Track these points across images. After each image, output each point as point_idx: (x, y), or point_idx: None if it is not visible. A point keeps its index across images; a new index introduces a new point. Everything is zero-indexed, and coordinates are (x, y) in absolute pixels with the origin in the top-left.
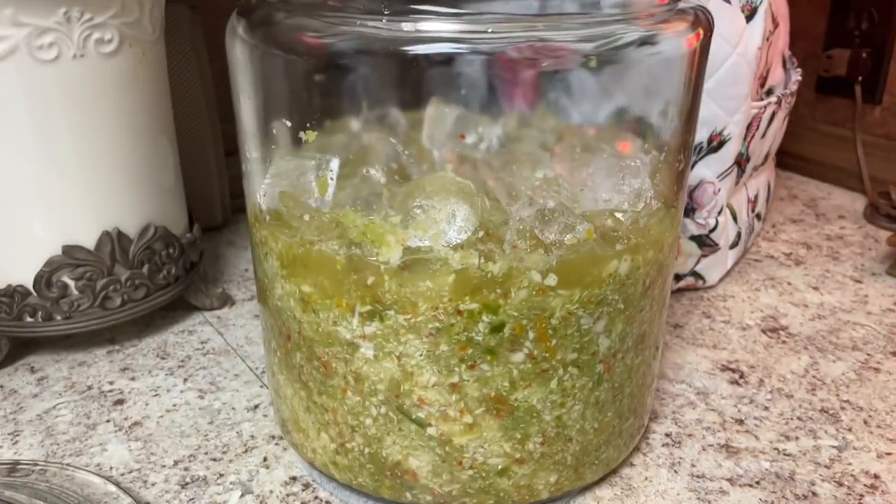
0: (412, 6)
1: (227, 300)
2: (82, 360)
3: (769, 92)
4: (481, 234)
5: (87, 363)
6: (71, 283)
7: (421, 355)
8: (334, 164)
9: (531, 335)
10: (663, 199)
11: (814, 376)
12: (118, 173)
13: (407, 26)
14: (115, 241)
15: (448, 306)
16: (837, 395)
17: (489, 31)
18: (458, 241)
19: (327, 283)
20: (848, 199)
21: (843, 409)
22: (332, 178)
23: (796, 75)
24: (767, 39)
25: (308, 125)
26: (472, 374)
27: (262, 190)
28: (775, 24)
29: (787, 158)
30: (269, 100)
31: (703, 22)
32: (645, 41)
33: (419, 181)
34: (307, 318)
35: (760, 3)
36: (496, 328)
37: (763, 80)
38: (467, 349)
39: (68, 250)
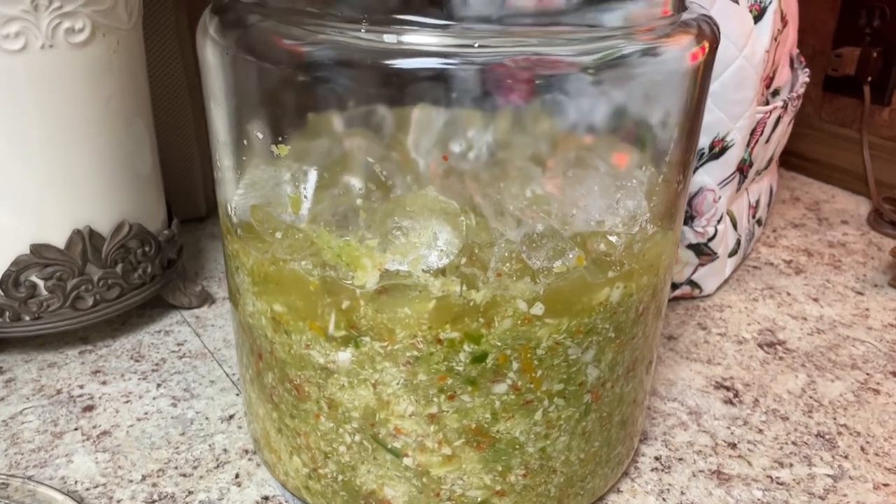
0: (394, 16)
1: (206, 298)
2: (53, 362)
3: (775, 93)
4: (464, 259)
5: (57, 364)
6: (40, 283)
7: (398, 384)
8: (311, 176)
9: (515, 365)
10: (660, 222)
11: (811, 397)
12: (90, 169)
13: (388, 38)
14: (86, 239)
15: (427, 335)
16: (834, 419)
17: (476, 45)
18: (440, 266)
19: (300, 304)
20: (852, 202)
21: (839, 433)
22: (305, 197)
23: (804, 76)
24: (775, 39)
25: (280, 139)
26: (452, 404)
27: (233, 202)
28: (784, 23)
29: (791, 158)
30: (240, 107)
31: (707, 35)
32: (645, 54)
33: (400, 199)
34: (279, 338)
35: (770, 2)
36: (478, 358)
37: (769, 80)
38: (447, 379)
39: (37, 249)
